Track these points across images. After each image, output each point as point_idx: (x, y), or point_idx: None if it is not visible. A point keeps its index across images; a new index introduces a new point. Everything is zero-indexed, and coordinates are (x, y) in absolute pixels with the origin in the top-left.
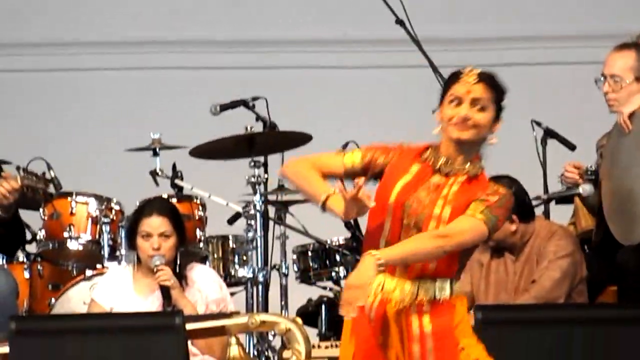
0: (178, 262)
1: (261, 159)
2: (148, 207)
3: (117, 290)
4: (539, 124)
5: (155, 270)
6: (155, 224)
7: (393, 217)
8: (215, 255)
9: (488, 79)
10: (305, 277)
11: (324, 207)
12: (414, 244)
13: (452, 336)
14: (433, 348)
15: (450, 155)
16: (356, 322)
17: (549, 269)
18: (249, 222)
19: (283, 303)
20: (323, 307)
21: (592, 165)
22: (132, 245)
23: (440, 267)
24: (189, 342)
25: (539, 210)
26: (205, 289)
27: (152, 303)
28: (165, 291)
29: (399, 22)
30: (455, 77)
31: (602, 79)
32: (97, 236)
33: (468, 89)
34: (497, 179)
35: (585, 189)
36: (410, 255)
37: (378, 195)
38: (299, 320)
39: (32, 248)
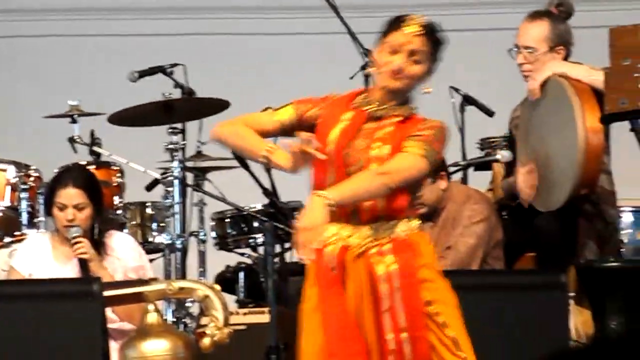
0: (96, 231)
1: (179, 125)
2: (64, 177)
3: (35, 257)
4: (457, 90)
5: (73, 242)
6: (70, 195)
7: (336, 167)
8: (133, 222)
9: (429, 33)
10: (223, 243)
11: (267, 161)
12: (357, 182)
13: (414, 274)
14: (400, 285)
15: (381, 100)
16: (318, 271)
17: (464, 235)
18: (167, 188)
19: (201, 270)
20: (241, 273)
21: (506, 132)
22: (49, 213)
23: (389, 206)
24: (108, 309)
25: (457, 177)
26: (124, 256)
27: (71, 270)
28: (83, 263)
29: None
30: (396, 24)
31: (515, 49)
32: (15, 203)
33: (408, 40)
34: None
35: (504, 155)
36: (355, 194)
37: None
38: (217, 286)
39: None
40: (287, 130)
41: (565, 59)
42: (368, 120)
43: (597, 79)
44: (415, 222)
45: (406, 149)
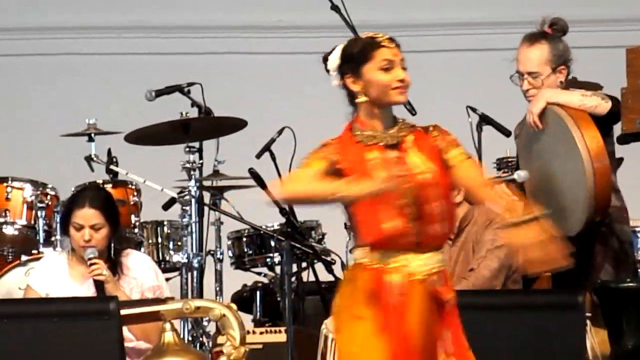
0: (112, 250)
1: (196, 144)
2: (80, 197)
3: (52, 276)
4: (474, 109)
5: (89, 263)
6: (87, 216)
7: (385, 202)
8: (150, 241)
9: (396, 40)
10: (239, 263)
11: (347, 196)
12: None
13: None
14: (452, 313)
15: (381, 126)
16: (380, 296)
17: (487, 259)
18: (183, 207)
19: (218, 289)
20: (257, 292)
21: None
22: (65, 232)
23: (449, 233)
24: (125, 328)
25: None
26: (140, 276)
27: (88, 289)
28: (99, 285)
29: (334, 7)
30: (372, 43)
31: (517, 75)
32: (32, 221)
33: (394, 52)
34: None
35: (520, 175)
36: None
37: None
38: (234, 306)
39: None
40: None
41: (567, 76)
42: (385, 150)
43: (590, 105)
44: None
45: (461, 157)
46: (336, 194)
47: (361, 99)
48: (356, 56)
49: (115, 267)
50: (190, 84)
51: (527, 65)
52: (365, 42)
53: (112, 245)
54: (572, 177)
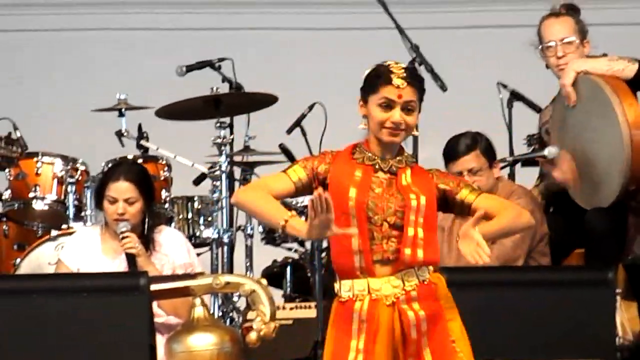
0: (146, 226)
1: (227, 120)
2: (116, 171)
3: (84, 251)
4: (505, 86)
5: (121, 237)
6: (122, 189)
7: (358, 220)
8: (181, 216)
9: (416, 79)
10: (270, 238)
11: (283, 230)
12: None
13: (441, 316)
14: (427, 330)
15: (381, 153)
16: (347, 324)
17: None
18: (214, 183)
19: (248, 264)
20: (288, 268)
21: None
22: (100, 206)
23: (426, 257)
24: (154, 304)
25: (504, 173)
26: (172, 253)
27: (120, 265)
28: (131, 258)
29: None
30: (383, 76)
31: (550, 44)
32: (62, 196)
33: (399, 93)
34: (464, 135)
35: (552, 151)
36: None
37: (334, 202)
38: (264, 281)
39: None
40: (302, 191)
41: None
42: (376, 172)
43: (617, 68)
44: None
45: (473, 193)
46: (277, 222)
47: (361, 125)
48: (366, 84)
49: (147, 243)
50: (221, 60)
51: (561, 33)
52: (377, 73)
53: (146, 220)
54: (609, 145)
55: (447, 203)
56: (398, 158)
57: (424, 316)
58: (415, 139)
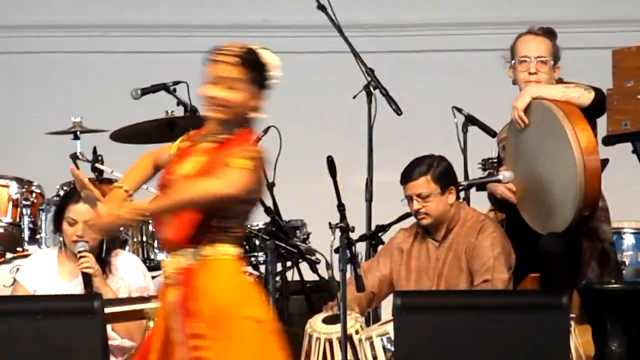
0: (104, 248)
1: None
2: (76, 193)
3: (41, 273)
4: (460, 110)
5: (78, 256)
6: (82, 211)
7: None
8: (135, 239)
9: (245, 60)
10: None
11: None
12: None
13: (191, 303)
14: (179, 315)
15: (211, 131)
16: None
17: (497, 270)
18: None
19: None
20: None
21: (494, 154)
22: (58, 228)
23: (177, 233)
24: (109, 327)
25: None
26: (128, 276)
27: (76, 287)
28: (87, 279)
29: (321, 7)
30: (212, 55)
31: (527, 59)
32: (17, 219)
33: (217, 69)
34: (423, 158)
35: (506, 175)
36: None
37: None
38: None
39: None
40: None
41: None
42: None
43: (573, 95)
44: (226, 248)
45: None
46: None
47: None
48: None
49: (104, 266)
50: (176, 83)
51: (537, 51)
52: (211, 53)
53: (104, 243)
54: (562, 170)
55: None
56: (218, 136)
57: (176, 302)
58: (370, 161)
